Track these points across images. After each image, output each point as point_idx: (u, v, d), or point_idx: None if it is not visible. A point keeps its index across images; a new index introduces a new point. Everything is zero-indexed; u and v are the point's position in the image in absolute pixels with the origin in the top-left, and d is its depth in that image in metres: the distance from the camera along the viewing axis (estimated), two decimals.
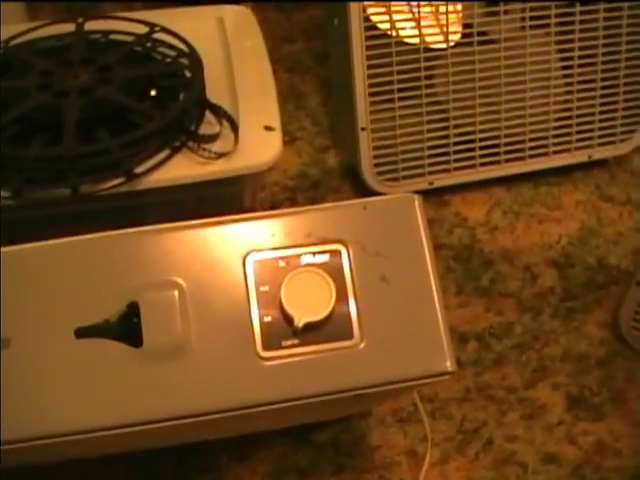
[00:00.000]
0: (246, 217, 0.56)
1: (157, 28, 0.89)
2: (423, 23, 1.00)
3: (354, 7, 0.95)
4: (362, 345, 0.55)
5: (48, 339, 0.53)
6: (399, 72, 0.99)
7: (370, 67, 0.98)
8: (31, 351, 0.52)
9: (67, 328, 0.53)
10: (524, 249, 1.02)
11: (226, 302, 0.54)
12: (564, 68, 1.07)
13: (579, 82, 1.07)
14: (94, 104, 0.79)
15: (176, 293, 0.54)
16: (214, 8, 0.96)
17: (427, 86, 1.01)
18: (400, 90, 1.00)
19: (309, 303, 0.54)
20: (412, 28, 1.00)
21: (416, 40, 1.00)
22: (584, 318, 0.96)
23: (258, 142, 0.81)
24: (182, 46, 0.87)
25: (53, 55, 0.84)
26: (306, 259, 0.56)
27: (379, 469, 0.83)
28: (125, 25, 0.90)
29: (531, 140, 1.07)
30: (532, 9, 1.02)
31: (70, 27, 0.89)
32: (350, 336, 0.55)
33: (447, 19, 1.00)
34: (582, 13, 1.03)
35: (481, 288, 0.98)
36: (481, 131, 1.05)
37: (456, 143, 1.05)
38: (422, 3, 0.99)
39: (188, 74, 0.85)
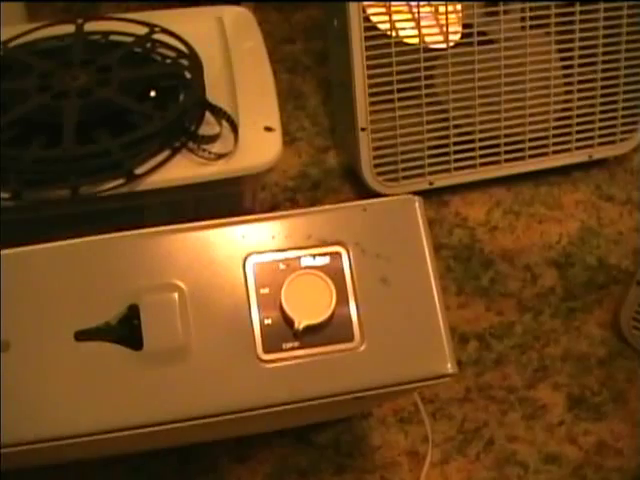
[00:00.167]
0: (246, 219, 0.56)
1: (157, 29, 0.89)
2: (423, 23, 1.00)
3: (354, 7, 0.95)
4: (362, 347, 0.55)
5: (48, 342, 0.53)
6: (399, 72, 0.99)
7: (370, 67, 0.98)
8: (31, 354, 0.52)
9: (67, 331, 0.53)
10: (524, 249, 1.02)
11: (226, 304, 0.54)
12: (564, 68, 1.06)
13: (579, 82, 1.06)
14: (94, 105, 0.79)
15: (176, 295, 0.54)
16: (214, 9, 0.96)
17: (427, 86, 1.01)
18: (400, 90, 1.00)
19: (309, 305, 0.54)
20: (412, 28, 0.99)
21: (416, 40, 1.00)
22: (585, 318, 0.96)
23: (258, 143, 0.81)
24: (182, 47, 0.87)
25: (53, 56, 0.84)
26: (306, 261, 0.56)
27: (380, 469, 0.83)
28: (125, 26, 0.90)
29: (531, 140, 1.07)
30: (532, 9, 1.02)
31: (70, 28, 0.89)
32: (350, 338, 0.55)
33: (447, 19, 1.00)
34: (582, 13, 1.03)
35: (481, 288, 0.98)
36: (481, 131, 1.05)
37: (456, 143, 1.05)
38: (422, 3, 0.99)
39: (188, 75, 0.85)
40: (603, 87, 1.07)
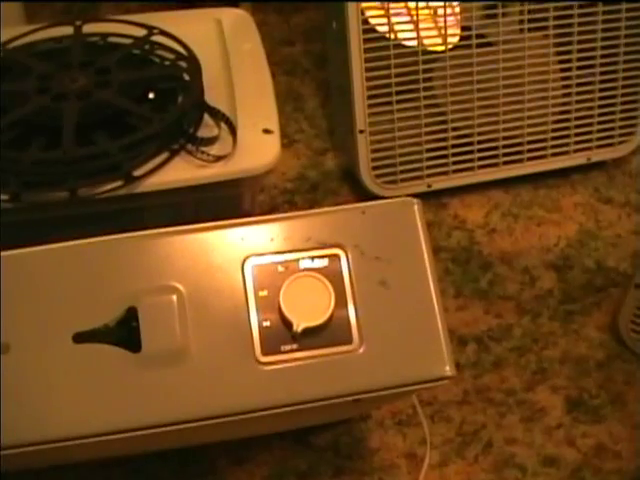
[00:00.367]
0: (245, 221, 0.56)
1: (155, 31, 0.89)
2: (421, 26, 1.00)
3: (352, 10, 0.95)
4: (361, 350, 0.55)
5: (47, 344, 0.53)
6: (397, 75, 0.99)
7: (368, 70, 0.98)
8: (30, 356, 0.52)
9: (65, 333, 0.53)
10: (523, 251, 1.02)
11: (225, 307, 0.54)
12: (562, 70, 1.07)
13: (577, 84, 1.07)
14: (93, 107, 0.79)
15: (175, 298, 0.54)
16: (212, 11, 0.96)
17: (425, 89, 1.01)
18: (398, 93, 1.00)
19: (308, 308, 0.54)
20: (410, 31, 1.00)
21: (414, 43, 1.00)
22: (583, 320, 0.96)
23: (256, 145, 0.81)
24: (180, 49, 0.87)
25: (51, 58, 0.84)
26: (305, 263, 0.56)
27: (378, 472, 0.83)
28: (123, 28, 0.89)
29: (529, 142, 1.07)
30: (530, 11, 1.02)
31: (68, 30, 0.89)
32: (349, 341, 0.55)
33: (445, 22, 1.00)
34: (580, 15, 1.03)
35: (480, 290, 0.98)
36: (479, 134, 1.05)
37: (454, 146, 1.05)
38: (420, 5, 0.99)
39: (186, 77, 0.85)
40: (601, 90, 1.07)
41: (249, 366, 0.54)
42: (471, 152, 1.06)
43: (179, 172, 0.78)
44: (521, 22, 1.02)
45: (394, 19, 0.99)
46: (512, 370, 0.91)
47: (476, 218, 1.06)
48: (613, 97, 1.08)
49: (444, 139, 1.04)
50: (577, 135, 1.09)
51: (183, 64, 0.86)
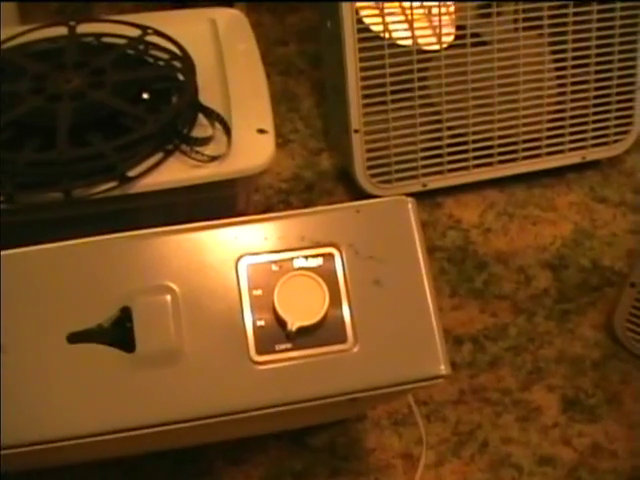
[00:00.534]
0: (239, 221, 0.56)
1: (150, 31, 0.89)
2: (416, 25, 1.00)
3: (347, 9, 0.95)
4: (356, 349, 0.55)
5: (40, 344, 0.53)
6: (392, 74, 0.99)
7: (363, 69, 0.98)
8: (24, 357, 0.52)
9: (60, 333, 0.53)
10: (518, 251, 1.02)
11: (219, 306, 0.54)
12: (557, 69, 1.07)
13: (572, 83, 1.07)
14: (87, 108, 0.79)
15: (169, 297, 0.54)
16: (207, 11, 0.96)
17: (420, 88, 1.01)
18: (393, 92, 1.00)
19: (302, 307, 0.54)
20: (405, 30, 1.00)
21: (409, 42, 1.00)
22: (579, 320, 0.96)
23: (251, 145, 0.81)
24: (175, 49, 0.87)
25: (46, 58, 0.84)
26: (299, 263, 0.56)
27: (374, 472, 0.83)
28: (118, 28, 0.89)
29: (524, 141, 1.08)
30: (525, 10, 1.02)
31: (62, 30, 0.89)
32: (344, 340, 0.55)
33: (440, 21, 1.00)
34: (575, 14, 1.03)
35: (475, 290, 0.98)
36: (474, 133, 1.05)
37: (449, 145, 1.05)
38: (415, 5, 0.99)
39: (181, 77, 0.85)
40: (596, 88, 1.07)
41: (243, 366, 0.54)
42: (466, 151, 1.06)
43: (174, 172, 0.78)
44: (515, 21, 1.02)
45: (388, 18, 0.99)
46: (508, 370, 0.91)
47: (471, 217, 1.06)
48: (608, 96, 1.08)
49: (439, 138, 1.04)
50: (572, 134, 1.09)
51: (177, 64, 0.86)
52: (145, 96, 0.83)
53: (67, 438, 0.52)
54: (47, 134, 0.76)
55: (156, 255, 0.54)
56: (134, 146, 0.77)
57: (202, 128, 0.82)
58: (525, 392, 0.89)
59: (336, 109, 1.05)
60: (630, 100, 1.09)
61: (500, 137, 1.06)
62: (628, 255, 1.02)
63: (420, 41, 1.00)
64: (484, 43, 1.02)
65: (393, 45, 0.99)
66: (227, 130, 0.81)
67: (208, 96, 0.84)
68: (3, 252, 0.54)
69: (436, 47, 1.01)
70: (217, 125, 0.82)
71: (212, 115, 0.82)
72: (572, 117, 1.08)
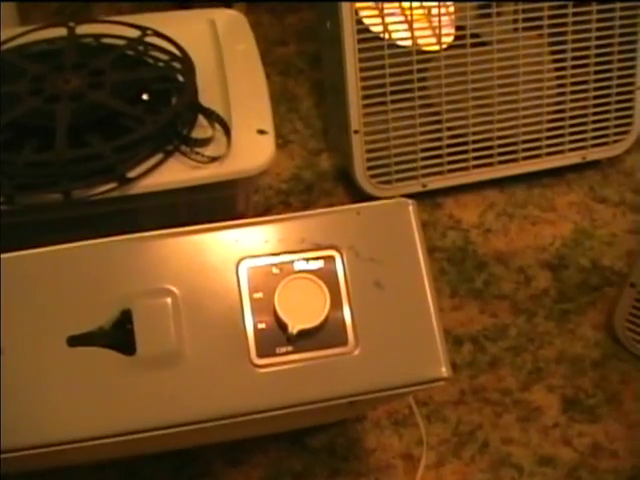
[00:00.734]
0: (239, 223, 0.56)
1: (149, 32, 0.88)
2: (415, 25, 1.00)
3: (346, 10, 0.95)
4: (357, 351, 0.55)
5: (41, 347, 0.52)
6: (392, 75, 0.99)
7: (363, 70, 0.98)
8: (24, 360, 0.52)
9: (59, 336, 0.53)
10: (518, 251, 1.02)
11: (219, 309, 0.54)
12: (557, 69, 1.07)
13: (572, 83, 1.07)
14: (86, 109, 0.79)
15: (169, 300, 0.54)
16: (206, 11, 0.96)
17: (420, 88, 1.01)
18: (393, 93, 1.00)
19: (303, 310, 0.54)
20: (405, 30, 1.00)
21: (409, 42, 1.00)
22: (579, 320, 0.96)
23: (251, 146, 0.81)
24: (174, 50, 0.87)
25: (45, 59, 0.84)
26: (300, 265, 0.55)
27: (374, 472, 0.83)
28: (117, 29, 0.89)
29: (524, 142, 1.08)
30: (524, 11, 1.02)
31: (62, 31, 0.89)
32: (345, 342, 0.55)
33: (440, 21, 1.00)
34: (574, 14, 1.03)
35: (475, 290, 0.98)
36: (474, 133, 1.05)
37: (449, 145, 1.05)
38: (414, 5, 0.99)
39: (180, 78, 0.85)
40: (596, 89, 1.07)
41: (244, 369, 0.53)
42: (466, 152, 1.06)
43: (173, 173, 0.78)
44: (515, 21, 1.02)
45: (388, 19, 0.99)
46: (508, 370, 0.91)
47: (471, 218, 1.06)
48: (607, 96, 1.08)
49: (439, 139, 1.04)
50: (572, 134, 1.09)
51: (177, 65, 0.86)
52: (145, 97, 0.83)
53: (67, 441, 0.52)
54: (46, 135, 0.76)
55: (156, 258, 0.54)
56: (134, 147, 0.77)
57: (202, 129, 0.82)
58: (525, 392, 0.89)
59: (336, 109, 1.05)
60: (630, 100, 1.09)
61: (500, 137, 1.06)
62: (628, 255, 1.02)
63: (420, 41, 1.00)
64: (484, 43, 1.02)
65: (393, 45, 0.99)
66: (227, 131, 0.81)
67: (208, 97, 0.84)
68: (3, 255, 0.54)
69: (436, 47, 1.01)
70: (217, 126, 0.82)
71: (212, 116, 0.82)
72: (572, 117, 1.08)
